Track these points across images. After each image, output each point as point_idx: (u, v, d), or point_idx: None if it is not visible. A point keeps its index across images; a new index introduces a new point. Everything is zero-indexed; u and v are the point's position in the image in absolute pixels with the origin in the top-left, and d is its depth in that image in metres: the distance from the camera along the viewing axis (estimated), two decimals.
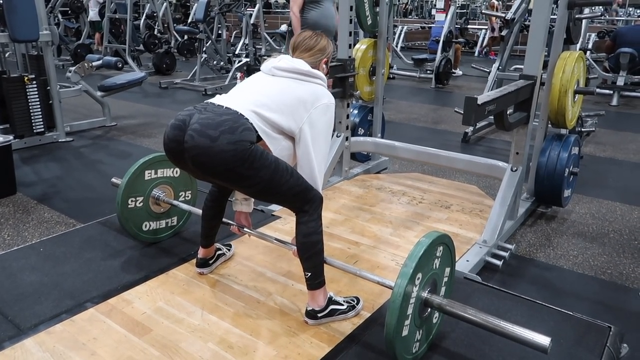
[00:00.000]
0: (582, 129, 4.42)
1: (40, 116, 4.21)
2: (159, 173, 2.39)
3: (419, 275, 1.49)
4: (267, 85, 1.74)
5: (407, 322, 1.49)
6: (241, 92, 1.73)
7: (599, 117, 4.86)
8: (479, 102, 2.05)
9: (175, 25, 10.24)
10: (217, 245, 2.23)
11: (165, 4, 9.52)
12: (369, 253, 2.39)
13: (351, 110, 3.38)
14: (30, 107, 4.13)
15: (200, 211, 2.11)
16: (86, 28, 9.76)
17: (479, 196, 3.19)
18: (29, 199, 3.17)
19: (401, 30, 11.62)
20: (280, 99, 1.68)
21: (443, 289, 1.67)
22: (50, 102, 4.35)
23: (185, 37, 9.61)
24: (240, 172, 1.56)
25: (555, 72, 2.81)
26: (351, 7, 3.08)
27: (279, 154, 1.68)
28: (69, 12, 9.79)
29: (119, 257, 2.34)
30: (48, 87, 4.31)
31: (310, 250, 1.75)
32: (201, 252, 2.14)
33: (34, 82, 4.11)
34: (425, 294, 1.54)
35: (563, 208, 3.07)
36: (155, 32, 9.29)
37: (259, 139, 1.62)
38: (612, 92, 6.60)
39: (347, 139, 3.28)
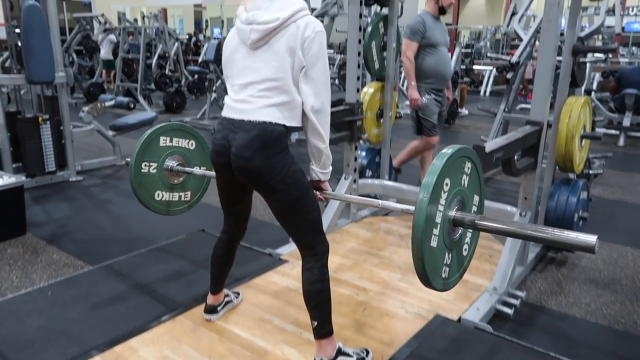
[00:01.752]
0: (590, 171, 4.41)
1: (53, 155, 4.27)
2: (174, 142, 2.35)
3: (447, 181, 1.39)
4: (259, 65, 1.65)
5: (436, 231, 1.39)
6: (247, 88, 1.68)
7: (606, 158, 4.86)
8: (487, 150, 2.06)
9: (186, 65, 10.49)
10: (226, 291, 2.22)
11: (177, 44, 9.79)
12: (378, 300, 2.36)
13: (359, 152, 3.41)
14: (43, 147, 4.20)
15: (213, 174, 2.10)
16: (99, 67, 10.01)
17: (488, 240, 3.16)
18: (39, 239, 3.18)
19: None
20: (277, 70, 1.63)
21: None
22: (63, 141, 4.42)
23: (196, 76, 9.83)
24: (272, 185, 1.66)
25: (562, 118, 2.84)
26: (359, 53, 3.15)
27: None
28: (84, 51, 10.07)
29: (126, 302, 2.33)
30: (61, 127, 4.40)
31: (316, 299, 1.74)
32: (210, 299, 2.13)
33: (48, 122, 4.20)
34: (453, 212, 1.45)
35: (573, 253, 3.04)
36: (167, 72, 9.51)
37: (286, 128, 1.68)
38: (618, 132, 6.62)
39: (355, 181, 3.30)
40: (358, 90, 3.19)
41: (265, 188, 1.69)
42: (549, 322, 2.37)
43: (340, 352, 1.81)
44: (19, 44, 4.21)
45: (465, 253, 1.60)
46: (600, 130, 6.59)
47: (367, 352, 1.88)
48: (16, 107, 4.47)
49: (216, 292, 2.13)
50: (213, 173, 2.36)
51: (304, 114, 1.68)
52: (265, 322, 2.14)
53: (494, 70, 11.94)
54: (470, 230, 1.59)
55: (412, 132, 3.94)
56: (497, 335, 2.07)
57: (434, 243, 1.40)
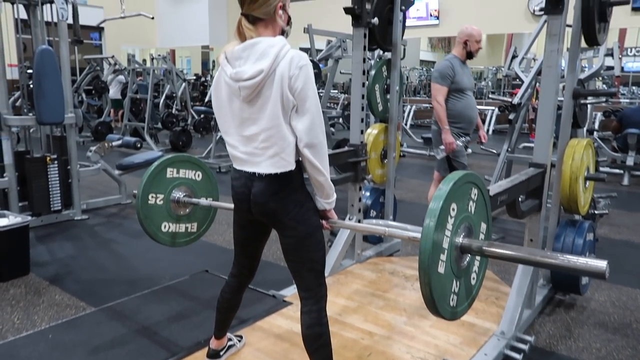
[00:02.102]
0: (596, 211, 4.39)
1: (59, 195, 4.30)
2: (181, 173, 2.37)
3: (454, 206, 1.37)
4: (255, 118, 1.65)
5: (443, 257, 1.36)
6: (250, 142, 1.69)
7: (611, 198, 4.85)
8: (492, 193, 2.07)
9: (193, 104, 10.67)
10: (229, 335, 2.18)
11: (184, 84, 10.00)
12: (384, 344, 2.32)
13: (363, 192, 3.42)
14: (50, 186, 4.23)
15: (221, 205, 2.07)
16: (108, 106, 10.21)
17: (494, 282, 3.13)
18: (42, 279, 3.17)
19: (410, 109, 11.98)
20: (273, 118, 1.62)
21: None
22: (70, 181, 4.46)
23: (202, 115, 9.99)
24: (283, 221, 1.72)
25: (565, 160, 2.85)
26: (363, 95, 3.21)
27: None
28: (93, 91, 10.29)
29: (127, 345, 2.30)
30: (68, 167, 4.45)
31: (314, 343, 1.73)
32: (213, 343, 2.10)
33: (55, 161, 4.25)
34: (460, 239, 1.44)
35: (582, 296, 2.99)
36: (173, 111, 9.68)
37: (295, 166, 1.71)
38: (622, 171, 6.63)
39: (359, 221, 3.30)
40: (362, 132, 3.23)
41: (277, 225, 1.76)
42: None
43: None
44: (31, 84, 4.31)
45: (473, 282, 1.58)
46: (604, 170, 6.61)
47: None
48: (25, 147, 4.54)
49: (220, 337, 2.10)
50: (219, 204, 2.39)
51: (300, 148, 1.66)
52: None
53: (496, 110, 12.08)
54: (479, 258, 1.58)
55: (441, 172, 3.95)
56: None
57: (441, 269, 1.38)
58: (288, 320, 2.51)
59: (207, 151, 7.85)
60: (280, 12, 1.65)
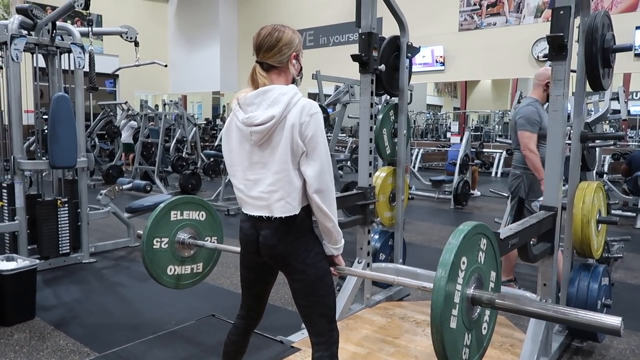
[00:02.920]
0: (610, 255, 4.31)
1: (68, 238, 4.31)
2: (185, 215, 2.35)
3: (464, 259, 1.37)
4: (264, 162, 1.69)
5: (455, 312, 1.35)
6: (257, 185, 1.71)
7: (625, 241, 4.76)
8: (502, 237, 2.04)
9: (203, 148, 10.82)
10: None
11: (195, 129, 10.18)
12: None
13: (372, 235, 3.39)
14: (59, 229, 4.25)
15: (226, 247, 2.04)
16: (119, 150, 10.38)
17: (508, 328, 3.04)
18: (47, 324, 3.13)
19: (418, 152, 12.06)
20: (281, 163, 1.65)
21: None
22: (79, 223, 4.48)
23: (212, 158, 10.11)
24: (292, 265, 1.72)
25: (575, 203, 2.83)
26: (370, 139, 3.24)
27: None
28: (106, 136, 10.50)
29: None
30: (78, 210, 4.48)
31: None
32: None
33: (66, 204, 4.29)
34: (471, 291, 1.42)
35: (600, 343, 2.89)
36: (184, 155, 9.81)
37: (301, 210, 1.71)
38: (634, 214, 6.55)
39: (368, 265, 3.25)
40: (370, 175, 3.24)
41: (286, 268, 1.75)
42: None
43: None
44: (45, 129, 4.41)
45: (484, 332, 1.56)
46: (615, 213, 6.53)
47: None
48: (37, 190, 4.60)
49: None
50: (224, 246, 2.39)
51: (309, 195, 1.68)
52: None
53: (504, 153, 12.12)
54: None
55: (508, 221, 3.76)
56: None
57: (453, 324, 1.37)
58: None
59: (216, 194, 7.89)
60: (294, 61, 1.72)
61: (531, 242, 2.48)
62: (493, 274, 1.57)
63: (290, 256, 1.71)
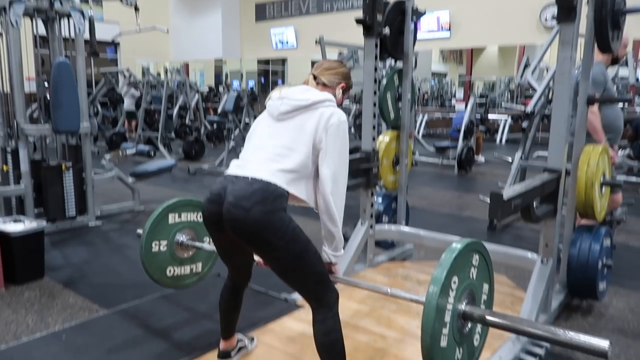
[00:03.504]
0: (612, 219, 4.32)
1: (74, 201, 4.35)
2: (183, 217, 2.39)
3: (455, 279, 1.39)
4: (278, 133, 1.74)
5: (445, 330, 1.38)
6: (259, 152, 1.74)
7: (628, 205, 4.77)
8: (505, 197, 2.04)
9: (205, 115, 10.78)
10: (239, 335, 2.18)
11: (197, 96, 10.11)
12: (397, 347, 2.29)
13: (375, 198, 3.41)
14: (65, 193, 4.29)
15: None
16: (122, 117, 10.35)
17: (509, 287, 3.08)
18: (56, 282, 3.19)
19: (423, 119, 11.98)
20: (295, 140, 1.70)
21: (482, 307, 1.57)
22: (84, 187, 4.52)
23: (215, 125, 10.08)
24: (271, 241, 1.60)
25: (580, 166, 2.82)
26: (374, 103, 3.22)
27: (307, 194, 1.71)
28: (108, 103, 10.45)
29: (139, 347, 2.30)
30: (83, 174, 4.51)
31: (330, 350, 1.70)
32: (222, 344, 2.10)
33: (71, 169, 4.31)
34: (463, 306, 1.44)
35: (599, 301, 2.93)
36: (187, 121, 9.79)
37: (289, 193, 1.67)
38: (639, 179, 6.53)
39: (371, 227, 3.28)
40: (374, 139, 3.23)
41: (263, 245, 1.64)
42: None
43: None
44: (48, 96, 4.40)
45: (476, 344, 1.60)
46: (620, 178, 6.51)
47: None
48: (41, 155, 4.61)
49: (227, 338, 2.09)
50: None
51: (318, 195, 1.71)
52: None
53: (509, 119, 12.02)
54: None
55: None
56: None
57: (443, 343, 1.41)
58: (300, 322, 2.49)
59: (219, 160, 7.92)
60: (340, 90, 1.90)
61: (534, 204, 2.49)
62: (486, 286, 1.61)
63: (268, 230, 1.59)
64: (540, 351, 2.28)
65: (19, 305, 2.86)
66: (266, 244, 1.62)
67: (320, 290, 1.71)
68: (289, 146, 1.70)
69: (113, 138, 9.50)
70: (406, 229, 3.43)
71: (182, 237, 2.40)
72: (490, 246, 2.99)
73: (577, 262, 2.80)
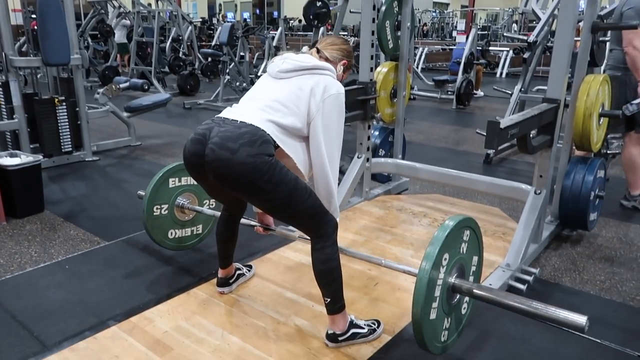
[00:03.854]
0: (608, 151, 4.33)
1: (69, 136, 4.33)
2: (183, 181, 2.43)
3: (446, 256, 1.45)
4: (275, 89, 1.73)
5: (435, 304, 1.46)
6: (252, 102, 1.74)
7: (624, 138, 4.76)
8: (502, 126, 2.03)
9: (199, 47, 10.49)
10: (237, 265, 2.24)
11: (190, 27, 9.78)
12: (390, 275, 2.37)
13: (372, 131, 3.39)
14: (60, 128, 4.25)
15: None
16: (114, 51, 10.07)
17: (502, 218, 3.15)
18: (56, 216, 3.24)
19: (422, 52, 11.69)
20: (290, 100, 1.69)
21: (471, 277, 1.65)
22: (79, 122, 4.47)
23: (209, 59, 9.83)
24: (258, 185, 1.58)
25: (580, 96, 2.78)
26: (373, 32, 3.12)
27: (297, 157, 1.70)
28: (98, 35, 10.12)
29: (141, 275, 2.37)
30: (77, 109, 4.45)
31: (328, 277, 1.74)
32: (221, 273, 2.16)
33: (64, 103, 4.24)
34: (452, 279, 1.51)
35: (589, 232, 3.00)
36: (180, 55, 9.53)
37: (277, 147, 1.65)
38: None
39: (367, 160, 3.29)
40: (372, 70, 3.17)
41: (250, 189, 1.60)
42: (562, 299, 2.35)
43: (352, 324, 1.83)
44: (36, 28, 4.25)
45: (464, 311, 1.67)
46: (619, 111, 6.46)
47: (379, 323, 1.89)
48: (33, 89, 4.53)
49: (225, 267, 2.15)
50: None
51: (314, 165, 1.71)
52: (278, 296, 2.16)
53: (511, 52, 11.74)
54: None
55: (621, 129, 3.52)
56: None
57: (433, 315, 1.47)
58: (297, 252, 2.56)
59: (215, 94, 7.80)
60: (341, 67, 1.89)
61: (531, 135, 2.49)
62: (475, 258, 1.66)
63: (254, 173, 1.55)
64: (528, 278, 2.36)
65: (22, 238, 2.91)
66: (253, 189, 1.59)
67: (316, 223, 1.73)
68: (283, 103, 1.68)
69: (106, 72, 9.28)
70: (402, 162, 3.44)
71: (182, 201, 2.44)
72: (484, 179, 3.04)
73: (569, 193, 2.84)
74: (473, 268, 1.65)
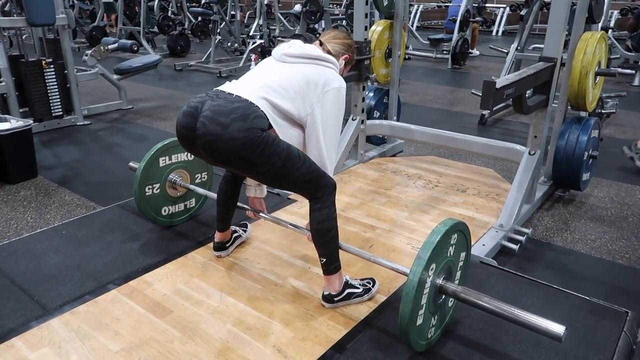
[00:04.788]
0: (603, 111, 4.33)
1: (59, 100, 4.26)
2: (174, 158, 2.42)
3: (433, 265, 1.49)
4: (277, 71, 1.72)
5: (422, 311, 1.50)
6: (251, 79, 1.72)
7: (620, 98, 4.76)
8: (498, 86, 2.02)
9: (189, 6, 10.19)
10: (233, 227, 2.26)
11: None
12: (385, 237, 2.40)
13: (367, 93, 3.36)
14: (49, 91, 4.18)
15: (215, 194, 2.14)
16: (101, 10, 9.78)
17: (496, 180, 3.17)
18: (50, 182, 3.23)
19: (417, 10, 11.43)
20: (290, 85, 1.67)
21: (458, 273, 1.68)
22: (68, 85, 4.39)
23: (199, 18, 9.58)
24: (251, 159, 1.57)
25: (576, 54, 2.75)
26: None
27: (288, 142, 1.69)
28: None
29: (138, 240, 2.39)
30: (65, 71, 4.35)
31: (324, 237, 1.76)
32: (218, 236, 2.18)
33: (52, 65, 4.15)
34: (439, 281, 1.55)
35: (581, 192, 3.04)
36: (169, 14, 9.28)
37: (270, 126, 1.63)
38: (634, 72, 6.44)
39: (362, 122, 3.27)
40: (366, 29, 3.10)
41: (243, 164, 1.59)
42: (553, 258, 2.41)
43: (347, 284, 1.86)
44: None
45: (449, 305, 1.70)
46: (615, 69, 6.41)
47: (374, 282, 1.93)
48: (19, 51, 4.41)
49: (223, 230, 2.16)
50: (213, 194, 2.29)
51: (311, 155, 1.72)
52: (275, 258, 2.19)
53: (507, 9, 11.52)
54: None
55: None
56: (501, 269, 2.12)
57: (419, 321, 1.51)
58: (293, 216, 2.58)
59: (206, 55, 7.65)
60: (343, 60, 1.89)
61: (526, 94, 2.47)
62: (462, 254, 1.67)
63: (246, 149, 1.54)
64: (521, 238, 2.40)
65: (17, 204, 2.91)
66: (246, 163, 1.58)
67: (313, 186, 1.73)
68: (283, 86, 1.65)
69: (93, 33, 9.05)
70: (397, 124, 3.43)
71: (174, 178, 2.43)
72: (479, 140, 3.04)
73: (563, 153, 2.85)
74: (460, 264, 1.68)
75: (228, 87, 1.70)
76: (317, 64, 1.74)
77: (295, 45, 1.76)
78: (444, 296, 1.61)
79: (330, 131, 1.73)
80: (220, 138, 1.54)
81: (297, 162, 1.66)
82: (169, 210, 2.48)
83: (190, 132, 1.61)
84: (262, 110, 1.59)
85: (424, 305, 1.51)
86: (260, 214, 2.12)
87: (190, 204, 2.56)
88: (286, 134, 1.68)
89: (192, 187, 2.45)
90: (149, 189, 2.38)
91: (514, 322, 1.46)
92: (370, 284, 1.92)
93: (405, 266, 1.61)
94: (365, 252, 1.86)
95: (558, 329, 1.36)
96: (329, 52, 1.84)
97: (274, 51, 1.80)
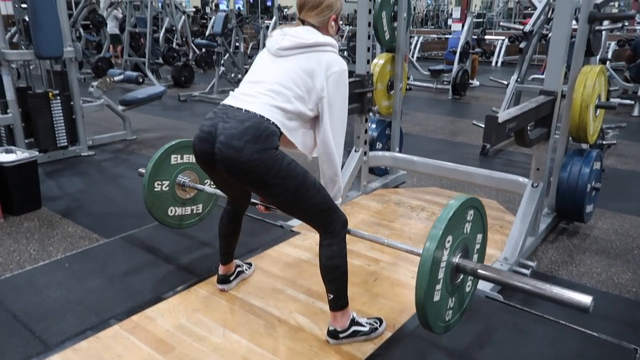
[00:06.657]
0: (604, 142, 4.35)
1: (64, 130, 4.30)
2: (185, 158, 2.43)
3: (449, 238, 1.45)
4: (277, 70, 1.69)
5: (439, 286, 1.46)
6: (255, 84, 1.71)
7: (620, 129, 4.79)
8: (500, 120, 2.04)
9: (193, 38, 10.39)
10: (237, 262, 2.25)
11: (183, 17, 9.68)
12: (389, 270, 2.38)
13: (369, 124, 3.39)
14: (54, 122, 4.22)
15: (224, 194, 2.12)
16: (107, 42, 9.96)
17: (499, 211, 3.16)
18: (54, 213, 3.23)
19: (417, 41, 11.63)
20: (294, 82, 1.66)
21: (475, 256, 1.64)
22: (74, 116, 4.44)
23: (204, 50, 9.76)
24: (266, 180, 1.58)
25: (576, 87, 2.79)
26: (369, 23, 3.10)
27: (303, 142, 1.70)
28: (90, 26, 10.00)
29: (141, 273, 2.38)
30: (71, 102, 4.41)
31: (333, 274, 1.75)
32: (221, 269, 2.17)
33: (58, 97, 4.21)
34: (456, 259, 1.51)
35: (585, 224, 3.03)
36: (174, 45, 9.45)
37: (281, 133, 1.64)
38: (633, 102, 6.51)
39: (365, 153, 3.29)
40: (368, 62, 3.15)
41: (258, 184, 1.62)
42: None
43: (354, 322, 1.84)
44: (27, 19, 4.19)
45: (467, 290, 1.66)
46: (614, 100, 6.48)
47: (381, 322, 1.90)
48: (26, 83, 4.48)
49: (226, 263, 2.15)
50: (222, 194, 2.30)
51: (320, 144, 1.70)
52: (278, 292, 2.17)
53: (506, 40, 11.71)
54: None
55: None
56: (507, 304, 2.09)
57: (436, 297, 1.46)
58: (296, 249, 2.57)
59: (210, 86, 7.75)
60: (333, 23, 1.79)
61: (528, 128, 2.49)
62: (479, 236, 1.64)
63: (261, 169, 1.56)
64: (526, 271, 2.38)
65: (20, 235, 2.90)
66: (261, 183, 1.60)
67: (324, 219, 1.72)
68: (287, 86, 1.66)
69: (99, 64, 9.20)
70: (400, 155, 3.45)
71: (183, 179, 2.44)
72: (481, 172, 3.05)
73: (566, 185, 2.86)
74: (477, 246, 1.63)
75: (235, 100, 1.69)
76: (314, 51, 1.68)
77: (288, 37, 1.70)
78: (462, 276, 1.56)
79: (336, 115, 1.70)
80: (237, 161, 1.57)
81: (312, 189, 1.66)
82: (176, 211, 2.48)
83: (210, 157, 1.65)
84: (273, 122, 1.61)
85: (441, 280, 1.45)
86: (271, 206, 2.05)
87: (197, 209, 2.57)
88: (298, 136, 1.69)
89: (201, 187, 2.45)
90: (158, 184, 2.37)
91: (538, 296, 1.42)
92: (377, 323, 1.89)
93: (419, 248, 1.55)
94: (379, 237, 1.87)
95: (585, 299, 1.34)
96: (314, 26, 1.75)
97: (269, 44, 1.75)
